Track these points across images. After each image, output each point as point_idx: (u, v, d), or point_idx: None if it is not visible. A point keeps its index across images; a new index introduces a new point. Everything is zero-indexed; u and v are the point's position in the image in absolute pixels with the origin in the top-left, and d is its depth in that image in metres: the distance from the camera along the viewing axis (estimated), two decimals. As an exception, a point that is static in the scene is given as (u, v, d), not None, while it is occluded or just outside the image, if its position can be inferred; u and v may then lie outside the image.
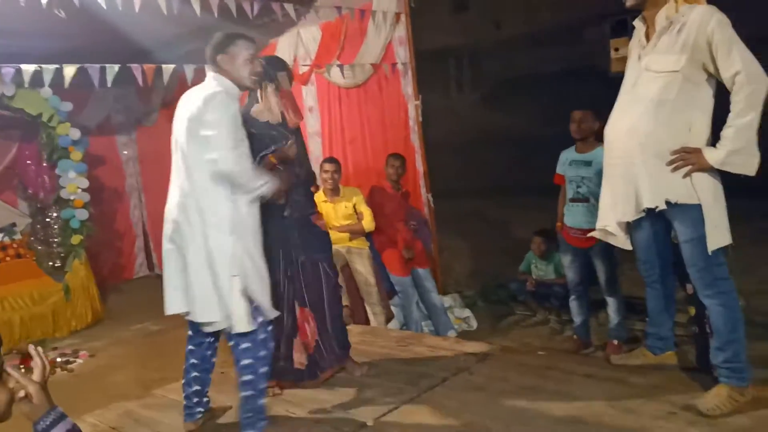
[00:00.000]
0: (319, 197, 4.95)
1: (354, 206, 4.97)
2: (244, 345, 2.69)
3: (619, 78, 2.83)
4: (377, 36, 5.36)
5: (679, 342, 3.67)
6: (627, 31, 2.85)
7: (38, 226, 7.03)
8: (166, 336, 5.60)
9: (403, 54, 5.32)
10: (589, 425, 2.62)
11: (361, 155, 5.76)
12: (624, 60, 2.87)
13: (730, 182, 2.58)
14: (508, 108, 11.31)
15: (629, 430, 2.55)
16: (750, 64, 2.41)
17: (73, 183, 6.54)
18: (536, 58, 11.32)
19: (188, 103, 2.72)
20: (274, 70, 3.37)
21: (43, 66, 4.13)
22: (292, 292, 3.39)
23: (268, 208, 2.98)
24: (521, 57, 11.56)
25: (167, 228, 2.76)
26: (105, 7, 4.04)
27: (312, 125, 6.18)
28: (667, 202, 2.58)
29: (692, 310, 3.64)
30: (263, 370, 2.75)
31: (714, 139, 2.55)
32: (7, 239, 6.77)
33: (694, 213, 2.54)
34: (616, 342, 4.22)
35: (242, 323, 2.64)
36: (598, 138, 4.16)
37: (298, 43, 5.95)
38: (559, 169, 4.38)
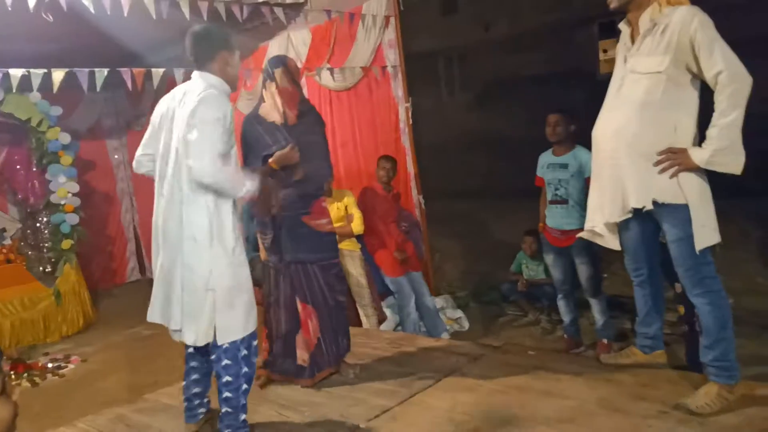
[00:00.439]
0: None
1: (345, 208, 4.97)
2: (225, 361, 2.64)
3: (606, 79, 2.86)
4: (367, 39, 5.38)
5: (668, 341, 3.71)
6: (615, 33, 2.86)
7: (28, 231, 7.01)
8: (158, 340, 5.58)
9: (393, 57, 5.33)
10: (579, 425, 2.64)
11: (352, 158, 5.77)
12: (612, 61, 2.90)
13: (714, 182, 2.61)
14: (498, 109, 11.35)
15: (620, 429, 2.57)
16: (732, 64, 2.44)
17: (64, 187, 6.53)
18: (525, 60, 11.35)
19: (184, 103, 2.60)
20: (272, 68, 3.34)
21: (31, 70, 4.11)
22: (290, 289, 3.39)
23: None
24: (510, 59, 11.60)
25: (155, 241, 2.71)
26: (93, 11, 4.03)
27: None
28: (654, 202, 2.60)
29: (681, 309, 3.68)
30: (244, 387, 2.70)
31: (701, 139, 2.57)
32: (-3, 244, 6.74)
33: (681, 213, 2.56)
34: (605, 341, 4.26)
35: (223, 336, 2.62)
36: (575, 140, 4.23)
37: (288, 47, 5.96)
38: (538, 172, 4.46)
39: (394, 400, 3.10)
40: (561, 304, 4.52)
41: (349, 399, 3.20)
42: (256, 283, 2.94)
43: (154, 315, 2.75)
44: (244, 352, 2.68)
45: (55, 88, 4.12)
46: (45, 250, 6.77)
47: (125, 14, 4.06)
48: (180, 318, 2.62)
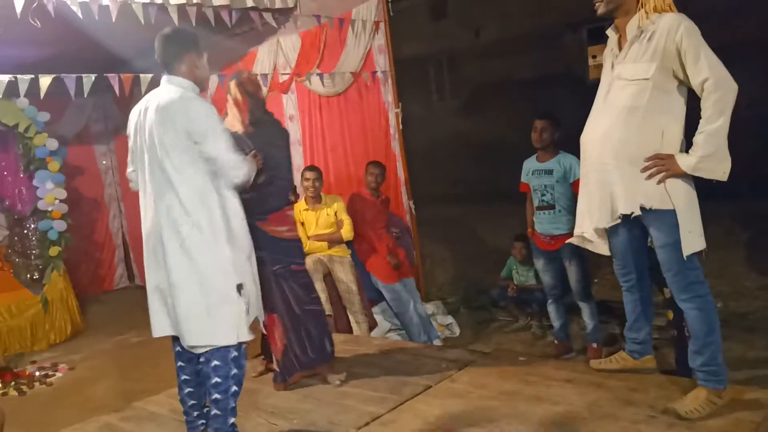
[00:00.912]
0: (301, 205, 4.95)
1: (335, 214, 4.96)
2: (215, 362, 2.62)
3: (595, 85, 2.87)
4: (357, 44, 5.38)
5: (657, 346, 3.72)
6: (604, 39, 2.87)
7: (15, 237, 6.94)
8: (147, 348, 5.53)
9: (382, 62, 5.34)
10: (569, 430, 2.64)
11: (342, 163, 5.77)
12: (601, 67, 2.91)
13: (700, 184, 2.62)
14: (488, 115, 11.37)
15: (609, 434, 2.57)
16: (718, 71, 2.45)
17: (51, 194, 6.48)
18: (515, 66, 11.39)
19: (166, 112, 2.57)
20: (230, 82, 3.48)
21: (18, 76, 4.08)
22: None
23: None
24: (500, 64, 11.63)
25: (147, 248, 2.68)
26: (81, 17, 4.01)
27: (293, 134, 6.17)
28: (642, 208, 2.62)
29: (670, 314, 3.69)
30: (234, 389, 2.68)
31: (688, 145, 2.59)
32: (-17, 251, 6.67)
33: (668, 218, 2.57)
34: (595, 345, 4.28)
35: (226, 337, 2.61)
36: (559, 146, 4.25)
37: (277, 52, 5.95)
38: (523, 178, 4.48)
39: (384, 407, 3.09)
40: (551, 309, 4.53)
41: (339, 406, 3.19)
42: None
43: (160, 329, 2.72)
44: (234, 353, 2.66)
45: (43, 94, 4.09)
46: (32, 257, 6.71)
47: (113, 20, 4.05)
48: (188, 326, 2.60)
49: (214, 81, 4.90)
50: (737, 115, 2.49)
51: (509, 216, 7.40)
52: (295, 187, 5.68)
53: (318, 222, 4.91)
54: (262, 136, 3.37)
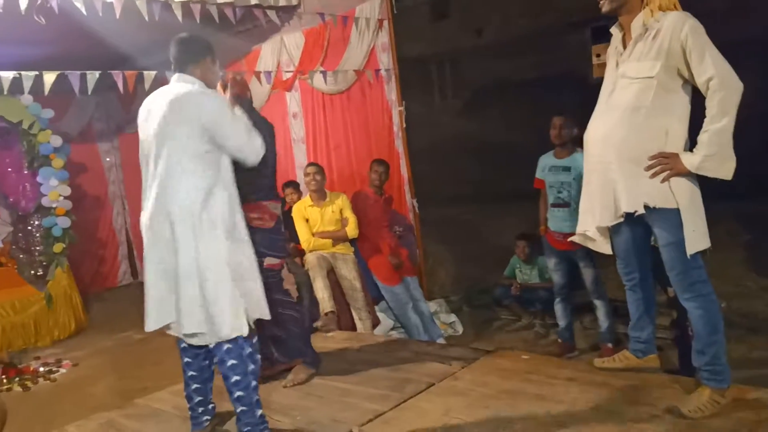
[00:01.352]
0: (306, 202, 4.95)
1: (340, 211, 4.97)
2: (231, 361, 2.64)
3: (599, 83, 2.86)
4: (360, 42, 5.38)
5: (661, 345, 3.71)
6: (608, 38, 2.86)
7: (20, 234, 6.97)
8: (150, 345, 5.56)
9: (386, 60, 5.34)
10: (572, 429, 2.63)
11: (345, 161, 5.77)
12: (605, 66, 2.90)
13: (702, 184, 2.61)
14: (490, 114, 11.36)
15: (612, 433, 2.57)
16: (723, 70, 2.44)
17: (55, 191, 6.50)
18: (518, 65, 11.37)
19: (180, 104, 2.60)
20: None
21: (22, 72, 4.09)
22: None
23: None
24: (502, 64, 11.61)
25: (148, 239, 2.68)
26: (85, 14, 4.02)
27: (296, 132, 6.18)
28: (646, 207, 2.61)
29: (674, 314, 3.68)
30: (254, 384, 2.70)
31: (692, 144, 2.58)
32: (-13, 248, 6.70)
33: (672, 217, 2.56)
34: (609, 345, 4.25)
35: (236, 329, 2.62)
36: (577, 143, 4.22)
37: (281, 50, 5.96)
38: (538, 174, 4.43)
39: (387, 404, 3.09)
40: (558, 308, 4.51)
41: (341, 403, 3.19)
42: None
43: (154, 321, 2.70)
44: (249, 349, 2.69)
45: (47, 91, 4.10)
46: (36, 254, 6.74)
47: (117, 17, 4.05)
48: (188, 315, 2.60)
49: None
50: (741, 114, 2.48)
51: (512, 214, 7.42)
52: (298, 184, 5.70)
53: (323, 219, 4.92)
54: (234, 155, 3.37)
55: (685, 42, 2.48)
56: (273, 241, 3.42)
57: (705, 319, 2.60)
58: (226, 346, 2.63)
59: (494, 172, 9.94)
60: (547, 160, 4.39)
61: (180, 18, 4.24)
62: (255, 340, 2.75)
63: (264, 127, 3.55)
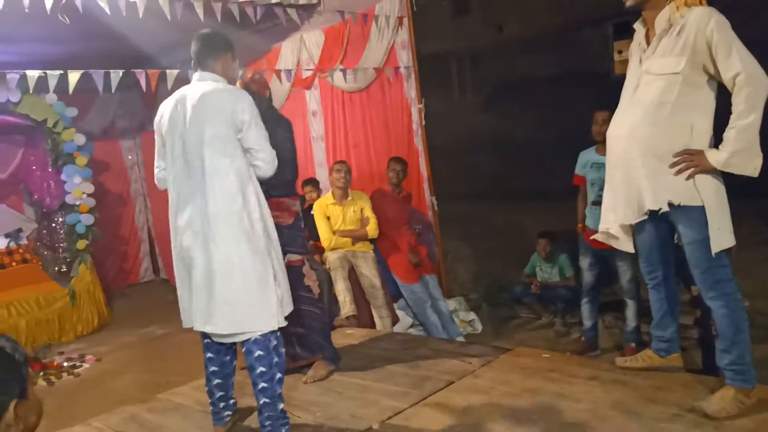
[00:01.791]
0: (328, 199, 4.97)
1: (361, 210, 4.98)
2: (258, 352, 2.68)
3: (620, 80, 2.83)
4: (380, 40, 5.38)
5: (684, 344, 3.67)
6: (629, 34, 2.83)
7: (44, 231, 7.08)
8: (172, 340, 5.62)
9: (405, 57, 5.33)
10: (593, 428, 2.62)
11: (364, 159, 5.77)
12: (627, 62, 2.87)
13: (726, 182, 2.58)
14: (511, 111, 11.30)
15: (634, 433, 2.55)
16: (750, 66, 2.40)
17: (79, 188, 6.59)
18: (538, 61, 11.30)
19: (213, 103, 2.62)
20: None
21: (47, 72, 4.15)
22: None
23: None
24: (523, 60, 11.55)
25: (183, 241, 2.69)
26: (109, 13, 4.06)
27: (316, 129, 6.20)
28: (670, 204, 2.58)
29: (698, 312, 3.64)
30: (279, 376, 2.74)
31: (717, 141, 2.55)
32: (13, 244, 6.82)
33: (697, 215, 2.53)
34: (633, 345, 4.21)
35: (266, 323, 2.67)
36: (588, 142, 4.17)
37: (301, 48, 5.97)
38: (578, 171, 4.37)
39: (407, 401, 3.09)
40: (585, 308, 4.47)
41: (361, 400, 3.20)
42: None
43: (193, 321, 2.75)
44: (274, 342, 2.73)
45: (71, 90, 4.16)
46: (60, 251, 6.84)
47: (140, 16, 4.09)
48: (226, 316, 2.64)
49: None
50: (767, 110, 2.44)
51: (531, 212, 7.38)
52: (318, 182, 5.72)
53: (345, 218, 4.93)
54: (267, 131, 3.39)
55: (711, 38, 2.44)
56: (293, 237, 3.45)
57: (729, 318, 2.57)
58: (254, 338, 2.67)
59: (514, 168, 9.88)
60: (588, 156, 4.31)
61: (201, 17, 4.27)
62: (279, 333, 2.78)
63: (282, 123, 3.56)
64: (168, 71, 4.38)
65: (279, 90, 5.85)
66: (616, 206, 2.79)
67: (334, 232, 4.90)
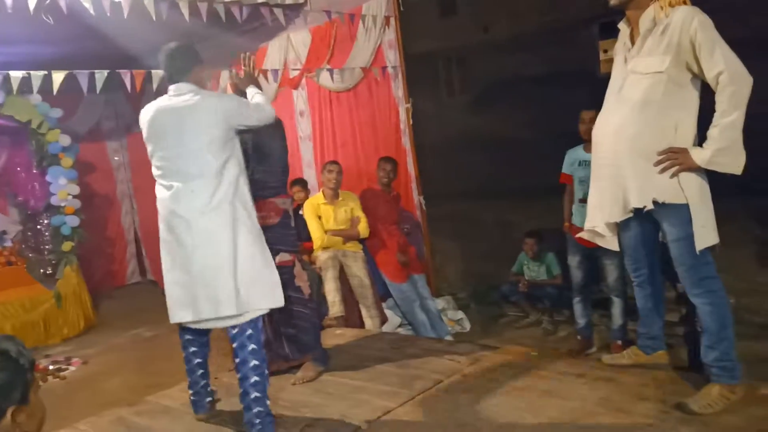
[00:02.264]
0: (318, 199, 4.96)
1: (351, 210, 4.98)
2: (252, 346, 2.76)
3: (607, 79, 2.85)
4: (367, 40, 5.38)
5: (670, 341, 3.69)
6: (615, 33, 2.85)
7: (29, 233, 7.02)
8: (159, 342, 5.59)
9: (393, 57, 5.33)
10: (580, 425, 2.63)
11: (352, 159, 5.77)
12: (612, 61, 2.89)
13: (714, 181, 2.60)
14: (498, 110, 11.32)
15: (621, 430, 2.56)
16: (733, 64, 2.43)
17: (64, 190, 6.53)
18: (524, 61, 11.33)
19: (200, 113, 2.74)
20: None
21: (31, 72, 4.11)
22: None
23: None
24: (509, 60, 11.58)
25: (174, 234, 2.77)
26: (93, 13, 4.03)
27: (303, 129, 6.18)
28: (655, 202, 2.60)
29: (683, 310, 3.66)
30: (266, 372, 2.83)
31: (701, 139, 2.57)
32: (-3, 247, 6.74)
33: (681, 212, 2.55)
34: (619, 343, 4.23)
35: (275, 301, 2.85)
36: (573, 140, 4.19)
37: (288, 48, 5.96)
38: (565, 169, 4.38)
39: (396, 401, 3.10)
40: (578, 307, 4.49)
41: (351, 400, 3.20)
42: None
43: (183, 314, 2.82)
44: (262, 336, 2.85)
45: (55, 90, 4.13)
46: (46, 253, 6.79)
47: (125, 16, 4.06)
48: (223, 300, 2.72)
49: (225, 75, 4.95)
50: (755, 109, 2.47)
51: (518, 211, 7.40)
52: (306, 182, 5.71)
53: (336, 218, 4.92)
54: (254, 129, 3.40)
55: (694, 37, 2.47)
56: (284, 236, 3.47)
57: (714, 314, 2.59)
58: (248, 331, 2.76)
59: (502, 168, 9.90)
60: (576, 155, 4.32)
61: (187, 17, 4.25)
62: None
63: (273, 122, 3.55)
64: (153, 71, 4.35)
65: (266, 90, 5.82)
66: (602, 204, 2.81)
67: (325, 232, 4.90)
